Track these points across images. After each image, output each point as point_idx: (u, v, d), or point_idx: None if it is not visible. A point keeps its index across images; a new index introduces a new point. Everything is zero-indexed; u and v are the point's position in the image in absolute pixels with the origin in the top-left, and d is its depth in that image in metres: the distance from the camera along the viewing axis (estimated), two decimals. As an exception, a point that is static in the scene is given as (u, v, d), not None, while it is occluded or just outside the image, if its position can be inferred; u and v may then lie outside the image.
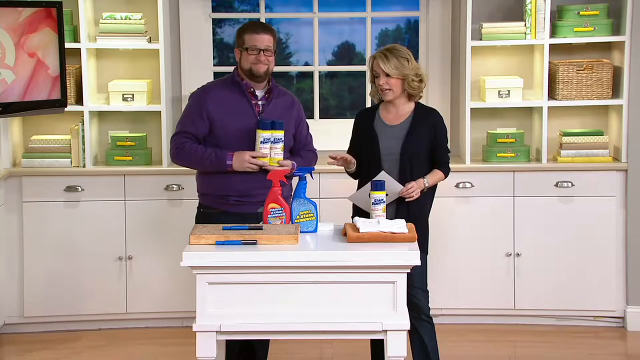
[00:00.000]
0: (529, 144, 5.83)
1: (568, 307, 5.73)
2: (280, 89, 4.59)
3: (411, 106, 4.59)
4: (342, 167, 4.64)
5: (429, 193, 4.58)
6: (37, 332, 5.70)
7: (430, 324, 4.58)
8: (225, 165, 4.39)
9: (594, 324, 5.77)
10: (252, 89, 4.49)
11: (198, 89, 4.61)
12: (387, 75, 4.49)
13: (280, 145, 4.38)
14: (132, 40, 5.69)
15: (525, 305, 5.73)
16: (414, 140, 4.52)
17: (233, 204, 4.46)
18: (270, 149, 4.37)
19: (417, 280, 4.47)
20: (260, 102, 4.51)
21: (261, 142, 4.36)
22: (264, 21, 6.06)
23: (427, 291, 4.59)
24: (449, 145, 4.67)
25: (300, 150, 4.61)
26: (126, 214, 5.66)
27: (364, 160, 4.56)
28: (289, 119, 4.52)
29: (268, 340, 4.72)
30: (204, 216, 4.53)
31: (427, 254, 4.59)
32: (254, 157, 4.36)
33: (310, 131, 4.71)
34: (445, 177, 4.62)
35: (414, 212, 4.48)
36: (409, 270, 3.79)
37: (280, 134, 4.37)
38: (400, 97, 4.55)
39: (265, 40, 4.45)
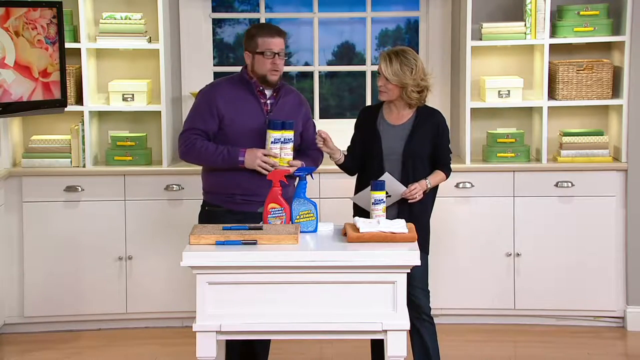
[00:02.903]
0: (529, 144, 5.83)
1: (568, 307, 5.73)
2: (287, 88, 4.59)
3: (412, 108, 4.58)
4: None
5: (430, 194, 4.57)
6: (37, 332, 5.69)
7: (431, 324, 4.57)
8: (237, 162, 4.38)
9: (594, 324, 5.77)
10: (261, 88, 4.49)
11: (207, 85, 4.59)
12: (386, 78, 4.48)
13: (290, 145, 4.38)
14: (132, 40, 5.68)
15: (525, 305, 5.72)
16: (417, 141, 4.50)
17: (239, 202, 4.45)
18: (280, 149, 4.37)
19: (418, 280, 4.47)
20: (268, 101, 4.50)
21: (272, 142, 4.36)
22: (263, 21, 6.06)
23: (428, 291, 4.58)
24: (450, 146, 4.67)
25: (307, 150, 4.61)
26: (126, 214, 5.66)
27: (366, 159, 4.55)
28: (297, 118, 4.52)
29: (269, 341, 4.72)
30: (208, 215, 4.52)
31: (428, 254, 4.59)
32: (265, 155, 4.36)
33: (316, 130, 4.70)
34: (447, 178, 4.61)
35: (416, 213, 4.48)
36: (409, 270, 3.79)
37: (290, 134, 4.37)
38: (399, 101, 4.52)
39: (279, 43, 4.44)
